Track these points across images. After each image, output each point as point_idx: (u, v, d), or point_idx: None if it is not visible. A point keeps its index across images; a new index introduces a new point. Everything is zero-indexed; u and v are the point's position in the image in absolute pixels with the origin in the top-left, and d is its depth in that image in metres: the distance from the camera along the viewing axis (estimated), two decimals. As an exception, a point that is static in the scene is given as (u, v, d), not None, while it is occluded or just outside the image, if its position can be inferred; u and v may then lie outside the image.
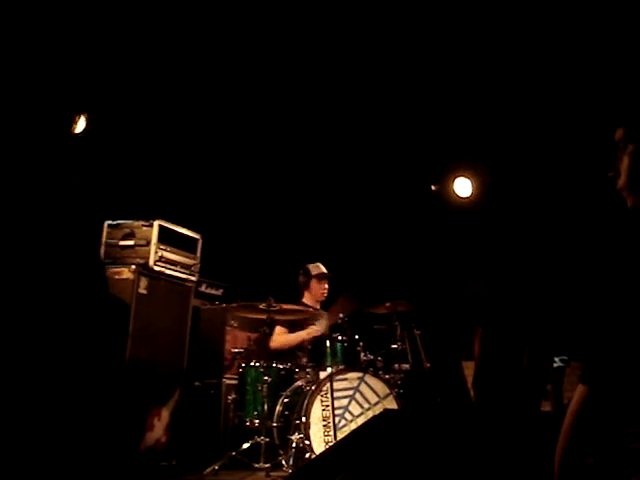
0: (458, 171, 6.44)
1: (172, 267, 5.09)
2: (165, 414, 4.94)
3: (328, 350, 4.81)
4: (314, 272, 5.82)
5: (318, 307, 5.81)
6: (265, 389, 4.69)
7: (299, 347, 5.43)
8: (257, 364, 4.88)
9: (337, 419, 4.47)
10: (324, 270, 5.86)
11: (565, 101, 5.63)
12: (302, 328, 5.55)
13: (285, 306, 5.08)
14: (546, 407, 5.17)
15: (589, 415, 2.08)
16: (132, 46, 5.17)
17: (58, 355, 2.58)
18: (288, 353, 5.37)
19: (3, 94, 2.80)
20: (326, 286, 5.83)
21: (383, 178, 6.77)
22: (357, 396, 4.59)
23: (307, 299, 5.79)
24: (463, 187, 6.42)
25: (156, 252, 4.91)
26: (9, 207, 2.55)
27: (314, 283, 5.81)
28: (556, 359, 5.00)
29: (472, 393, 6.22)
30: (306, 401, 4.49)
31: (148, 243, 4.91)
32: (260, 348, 5.44)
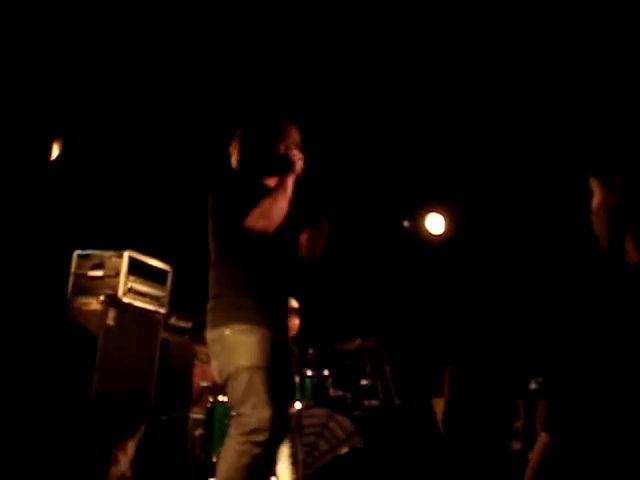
0: (431, 207, 6.49)
1: (141, 299, 5.03)
2: (131, 448, 4.85)
3: (297, 386, 4.77)
4: None
5: None
6: (233, 424, 4.61)
7: None
8: (225, 399, 4.81)
9: (305, 456, 4.42)
10: None
11: (537, 139, 5.72)
12: None
13: None
14: (516, 445, 5.16)
15: (550, 467, 2.02)
16: (102, 72, 5.16)
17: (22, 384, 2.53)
18: None
19: None
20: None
21: (354, 213, 6.78)
22: (325, 433, 4.55)
23: None
24: (435, 224, 6.46)
25: (125, 283, 4.85)
26: None
27: None
28: (532, 381, 5.02)
29: (442, 430, 6.20)
30: (274, 438, 4.43)
31: (117, 274, 4.84)
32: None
